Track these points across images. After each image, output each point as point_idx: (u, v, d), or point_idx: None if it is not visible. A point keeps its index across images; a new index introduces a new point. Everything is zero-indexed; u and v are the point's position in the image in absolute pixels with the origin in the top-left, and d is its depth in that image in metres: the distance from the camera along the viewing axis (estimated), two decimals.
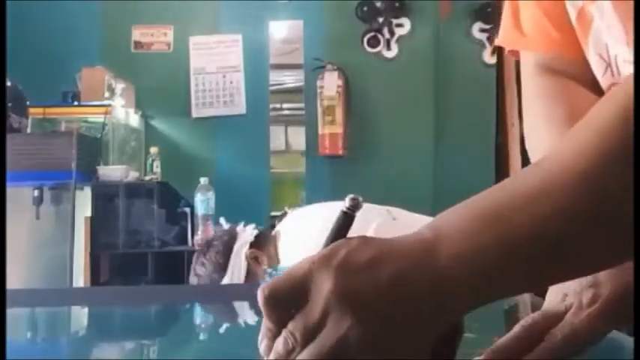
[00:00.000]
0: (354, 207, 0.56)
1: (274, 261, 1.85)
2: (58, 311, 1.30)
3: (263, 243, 1.92)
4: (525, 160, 4.43)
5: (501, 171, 4.46)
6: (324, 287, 0.50)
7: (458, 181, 4.58)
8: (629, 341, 0.69)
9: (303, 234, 1.77)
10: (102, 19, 4.81)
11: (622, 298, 0.62)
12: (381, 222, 1.74)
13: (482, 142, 4.59)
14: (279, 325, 0.52)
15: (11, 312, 0.95)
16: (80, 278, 3.63)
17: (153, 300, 1.36)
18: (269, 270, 1.76)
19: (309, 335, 0.50)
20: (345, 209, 0.56)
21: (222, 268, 1.86)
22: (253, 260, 1.87)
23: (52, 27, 4.72)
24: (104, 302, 1.36)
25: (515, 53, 0.92)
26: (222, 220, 2.19)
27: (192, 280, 1.90)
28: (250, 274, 1.85)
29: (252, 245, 1.90)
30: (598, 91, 0.80)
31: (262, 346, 0.53)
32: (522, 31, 0.88)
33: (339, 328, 0.49)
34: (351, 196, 0.56)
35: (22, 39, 4.50)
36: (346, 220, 0.56)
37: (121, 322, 1.26)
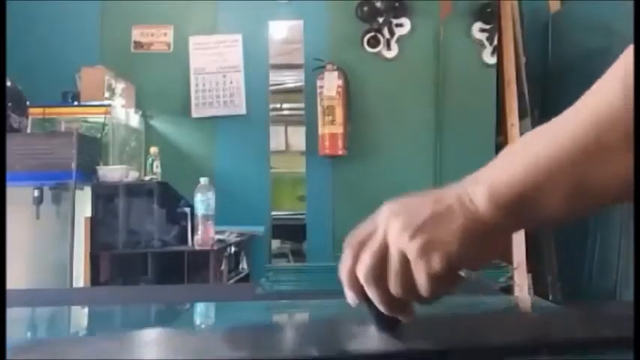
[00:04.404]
0: None
1: None
2: (58, 311, 1.30)
3: None
4: None
5: None
6: (382, 210, 0.66)
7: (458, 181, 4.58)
8: None
9: None
10: (102, 19, 4.81)
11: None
12: None
13: (482, 142, 4.59)
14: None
15: (11, 312, 0.95)
16: (80, 278, 3.63)
17: (153, 300, 1.36)
18: (268, 266, 1.76)
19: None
20: None
21: None
22: None
23: (52, 27, 4.72)
24: (104, 302, 1.35)
25: None
26: None
27: None
28: None
29: None
30: None
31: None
32: None
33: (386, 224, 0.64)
34: None
35: (22, 39, 4.51)
36: None
37: (121, 322, 1.26)
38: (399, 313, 0.66)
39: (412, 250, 0.62)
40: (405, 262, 0.63)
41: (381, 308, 0.65)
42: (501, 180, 0.62)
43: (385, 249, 0.64)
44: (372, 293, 0.65)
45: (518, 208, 0.62)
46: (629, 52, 0.61)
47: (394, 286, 0.64)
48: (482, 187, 0.63)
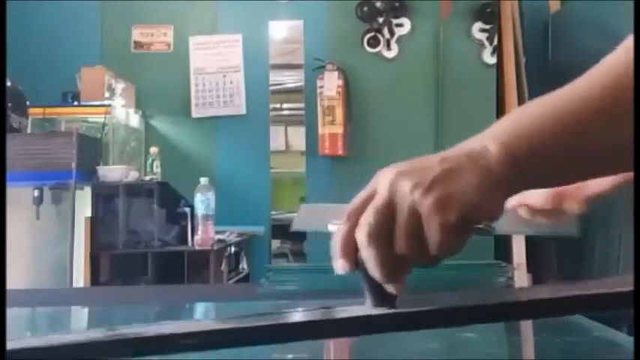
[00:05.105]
0: None
1: None
2: (58, 311, 1.30)
3: None
4: None
5: None
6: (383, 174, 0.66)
7: None
8: (628, 341, 0.69)
9: None
10: (102, 19, 4.81)
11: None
12: None
13: None
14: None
15: (11, 312, 0.95)
16: (80, 278, 3.63)
17: (153, 300, 1.36)
18: (268, 266, 1.76)
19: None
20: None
21: None
22: None
23: (52, 26, 4.72)
24: (104, 302, 1.35)
25: None
26: None
27: None
28: None
29: None
30: None
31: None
32: None
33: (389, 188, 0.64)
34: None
35: (22, 39, 4.50)
36: None
37: (120, 322, 1.26)
38: (393, 281, 0.64)
39: (426, 204, 0.62)
40: (416, 217, 0.62)
41: (376, 273, 0.63)
42: (518, 136, 0.64)
43: (391, 207, 0.63)
44: (371, 255, 0.63)
45: (534, 164, 0.64)
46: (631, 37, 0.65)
47: (401, 243, 0.62)
48: (495, 143, 0.64)
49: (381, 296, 0.64)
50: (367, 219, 0.63)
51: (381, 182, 0.65)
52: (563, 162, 0.65)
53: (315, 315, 0.65)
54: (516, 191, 0.66)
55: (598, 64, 0.66)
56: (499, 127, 0.66)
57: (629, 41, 0.66)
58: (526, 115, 0.67)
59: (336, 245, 0.65)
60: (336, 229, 0.65)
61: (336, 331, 0.65)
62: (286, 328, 0.63)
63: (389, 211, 0.63)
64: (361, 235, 0.63)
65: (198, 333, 0.61)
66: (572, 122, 0.64)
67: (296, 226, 1.24)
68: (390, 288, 0.64)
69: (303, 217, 1.50)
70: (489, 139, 0.65)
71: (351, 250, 0.64)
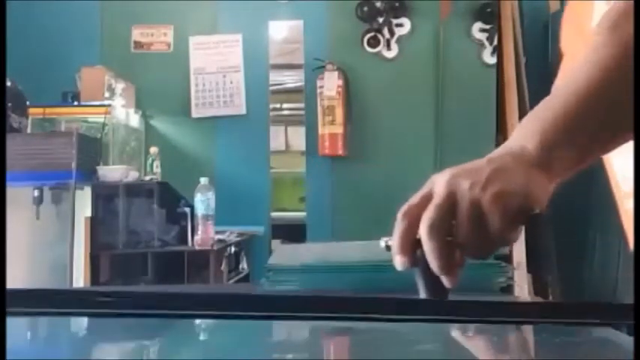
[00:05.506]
0: None
1: None
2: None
3: None
4: None
5: None
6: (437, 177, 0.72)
7: None
8: (628, 341, 0.69)
9: None
10: (102, 19, 4.81)
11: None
12: None
13: (483, 142, 4.58)
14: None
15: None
16: (80, 278, 3.63)
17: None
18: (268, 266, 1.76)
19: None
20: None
21: None
22: None
23: (52, 27, 4.72)
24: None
25: None
26: None
27: None
28: None
29: None
30: None
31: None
32: None
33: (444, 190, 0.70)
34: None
35: (22, 39, 4.50)
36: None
37: (120, 321, 1.26)
38: (449, 272, 0.70)
39: (486, 198, 0.69)
40: (478, 210, 0.69)
41: (435, 264, 0.69)
42: (549, 130, 0.74)
43: (450, 204, 0.69)
44: (432, 247, 0.68)
45: (567, 149, 0.74)
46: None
47: (463, 234, 0.69)
48: (532, 139, 0.74)
49: (435, 290, 0.71)
50: (429, 214, 0.69)
51: (438, 183, 0.71)
52: (589, 142, 0.75)
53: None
54: (558, 176, 0.74)
55: (588, 51, 0.78)
56: (531, 126, 0.75)
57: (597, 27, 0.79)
58: (549, 109, 0.76)
59: (394, 242, 0.71)
60: (385, 244, 0.72)
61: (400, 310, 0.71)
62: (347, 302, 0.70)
63: (449, 207, 0.69)
64: (424, 229, 0.69)
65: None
66: (585, 105, 0.75)
67: (273, 261, 1.38)
68: (445, 280, 0.71)
69: (279, 255, 1.62)
70: (525, 139, 0.74)
71: (409, 247, 0.70)
